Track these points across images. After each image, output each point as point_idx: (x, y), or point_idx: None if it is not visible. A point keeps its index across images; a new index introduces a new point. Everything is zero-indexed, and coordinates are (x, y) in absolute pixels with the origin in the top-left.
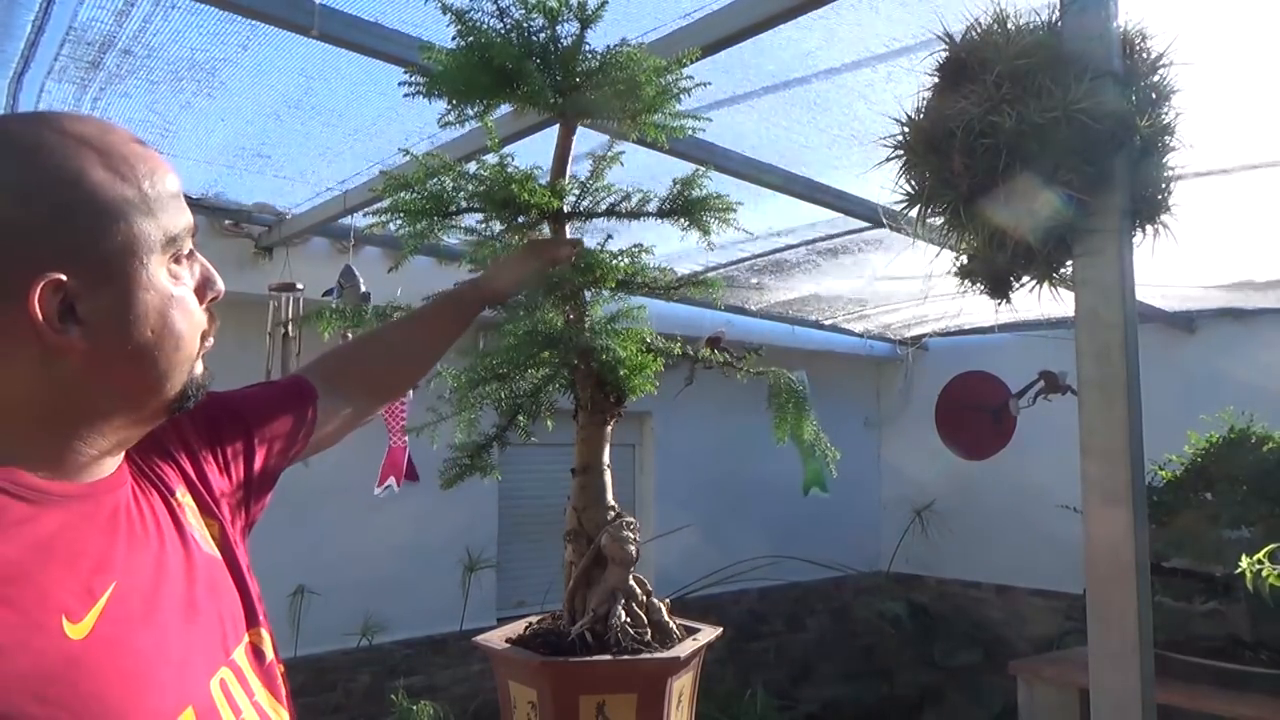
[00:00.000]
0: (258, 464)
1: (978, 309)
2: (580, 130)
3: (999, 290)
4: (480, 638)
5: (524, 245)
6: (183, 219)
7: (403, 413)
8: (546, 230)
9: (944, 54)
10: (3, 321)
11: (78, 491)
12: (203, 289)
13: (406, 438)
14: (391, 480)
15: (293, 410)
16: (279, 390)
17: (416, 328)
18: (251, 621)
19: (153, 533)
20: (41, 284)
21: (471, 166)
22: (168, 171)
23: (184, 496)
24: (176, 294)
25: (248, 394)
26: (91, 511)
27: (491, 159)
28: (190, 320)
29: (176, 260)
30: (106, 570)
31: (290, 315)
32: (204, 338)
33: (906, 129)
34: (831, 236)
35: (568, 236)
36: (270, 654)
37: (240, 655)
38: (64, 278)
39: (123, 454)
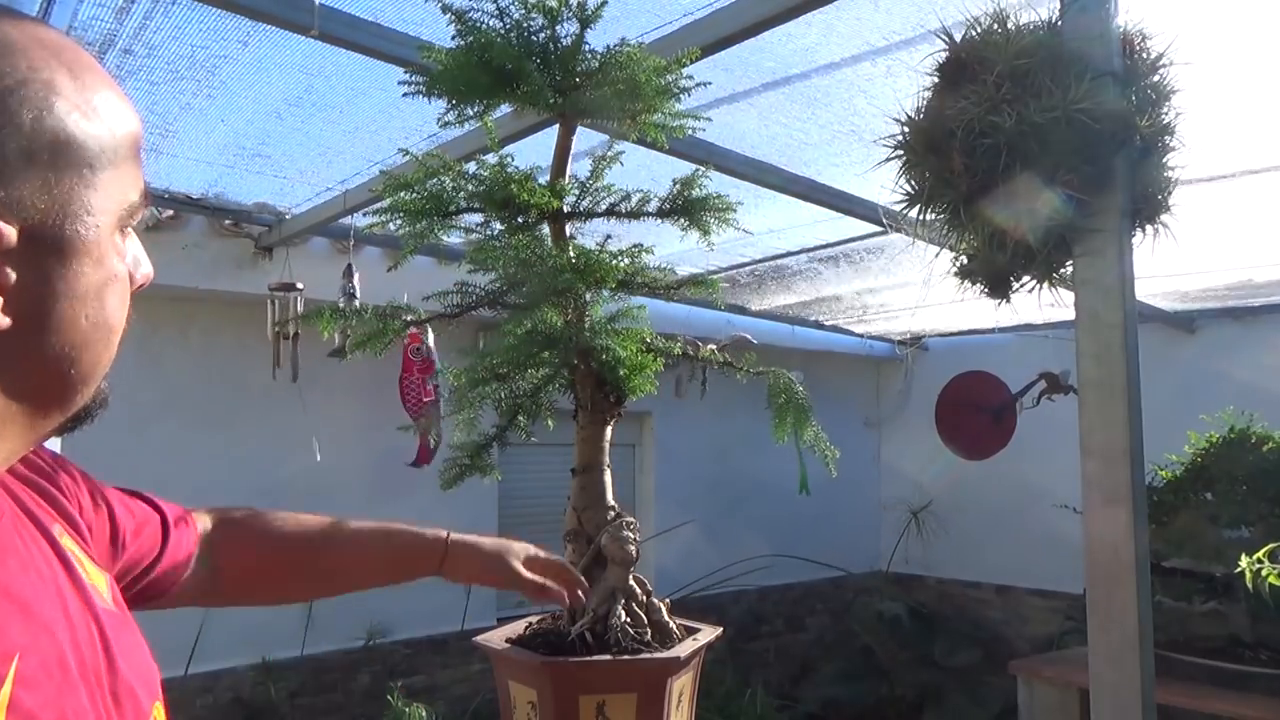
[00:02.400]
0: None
1: (977, 312)
2: (580, 130)
3: (999, 290)
4: (480, 638)
5: (507, 552)
6: (141, 181)
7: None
8: (546, 230)
9: (944, 54)
10: None
11: None
12: (132, 273)
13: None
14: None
15: (168, 554)
16: (159, 524)
17: (350, 553)
18: (151, 692)
19: (47, 578)
20: None
21: (471, 166)
22: (132, 115)
23: (64, 537)
24: (119, 275)
25: (119, 494)
26: None
27: (491, 159)
28: (124, 311)
29: (123, 233)
30: (4, 640)
31: (291, 315)
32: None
33: (906, 129)
34: (832, 244)
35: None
36: None
37: None
38: (4, 229)
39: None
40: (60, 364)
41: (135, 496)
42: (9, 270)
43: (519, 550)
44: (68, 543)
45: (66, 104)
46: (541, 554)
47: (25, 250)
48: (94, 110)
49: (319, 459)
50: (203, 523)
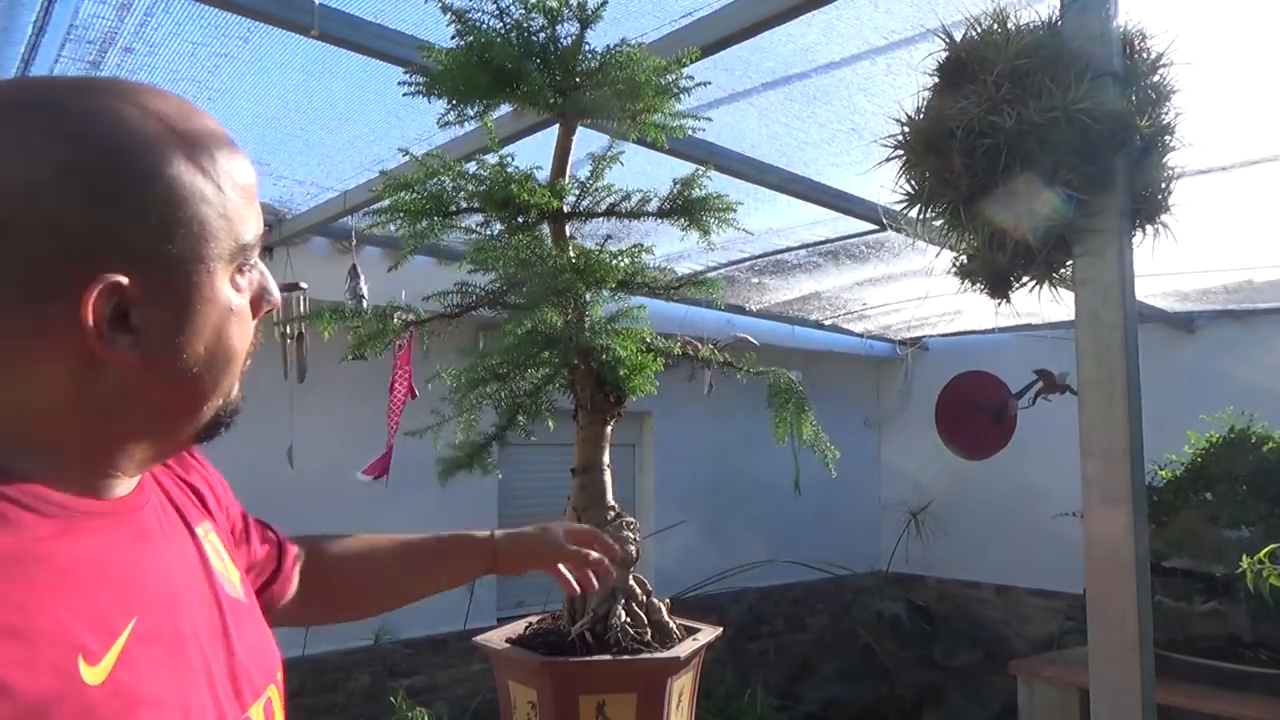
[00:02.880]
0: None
1: (977, 309)
2: (581, 130)
3: (999, 290)
4: (480, 638)
5: (546, 533)
6: (256, 225)
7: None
8: (546, 230)
9: (944, 54)
10: (45, 321)
11: (102, 509)
12: (258, 301)
13: (393, 440)
14: (374, 475)
15: (279, 581)
16: (276, 550)
17: (412, 563)
18: (268, 676)
19: (175, 560)
20: (101, 286)
21: (471, 166)
22: (246, 166)
23: (210, 534)
24: (236, 307)
25: (255, 542)
26: (115, 532)
27: (491, 159)
28: (245, 337)
29: (241, 270)
30: (128, 602)
31: (296, 315)
32: (248, 356)
33: (906, 129)
34: (832, 240)
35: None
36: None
37: (258, 711)
38: (125, 281)
39: (148, 469)
40: (184, 388)
41: (262, 525)
42: (137, 314)
43: (557, 529)
44: (212, 538)
45: (176, 169)
46: (574, 526)
47: (148, 297)
48: (204, 170)
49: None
50: (299, 566)
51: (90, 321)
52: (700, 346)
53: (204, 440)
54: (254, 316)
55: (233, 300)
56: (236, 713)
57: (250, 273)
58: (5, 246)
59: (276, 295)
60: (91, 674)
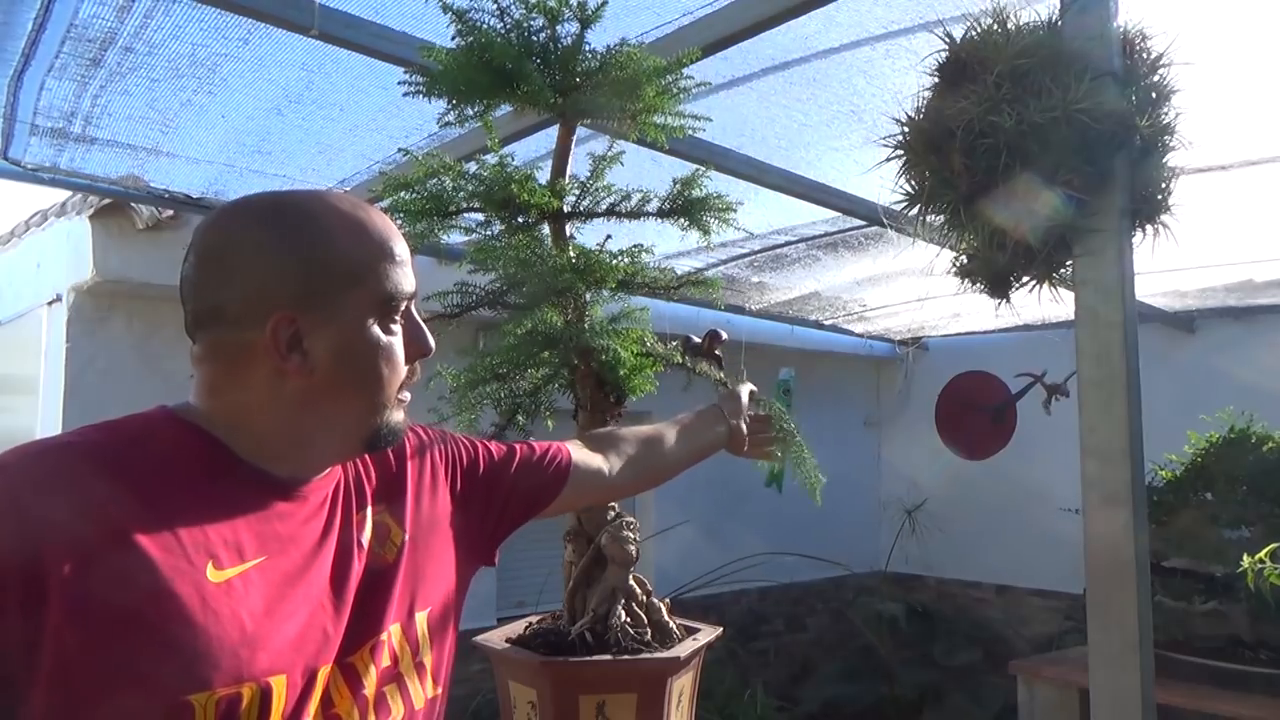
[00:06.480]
0: (490, 526)
1: (977, 311)
2: (580, 130)
3: (999, 290)
4: (480, 638)
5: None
6: (404, 285)
7: None
8: (546, 230)
9: (944, 54)
10: (253, 342)
11: (281, 485)
12: (411, 346)
13: None
14: None
15: (545, 486)
16: (539, 461)
17: (675, 436)
18: (370, 633)
19: (319, 533)
20: (276, 317)
21: (471, 166)
22: (398, 242)
23: (375, 515)
24: (384, 343)
25: (516, 457)
26: (279, 500)
27: (491, 159)
28: (392, 366)
29: (391, 316)
30: (264, 545)
31: None
32: (403, 387)
33: (906, 129)
34: (831, 234)
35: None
36: (381, 664)
37: (362, 659)
38: (294, 316)
39: (330, 466)
40: (344, 399)
41: (524, 445)
42: (307, 341)
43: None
44: (373, 516)
45: (337, 244)
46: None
47: (314, 330)
48: (360, 244)
49: None
50: (575, 451)
51: (270, 341)
52: (694, 358)
53: (370, 451)
54: (409, 359)
55: (381, 338)
56: (335, 652)
57: (407, 322)
58: (234, 293)
59: (429, 344)
60: (214, 575)
